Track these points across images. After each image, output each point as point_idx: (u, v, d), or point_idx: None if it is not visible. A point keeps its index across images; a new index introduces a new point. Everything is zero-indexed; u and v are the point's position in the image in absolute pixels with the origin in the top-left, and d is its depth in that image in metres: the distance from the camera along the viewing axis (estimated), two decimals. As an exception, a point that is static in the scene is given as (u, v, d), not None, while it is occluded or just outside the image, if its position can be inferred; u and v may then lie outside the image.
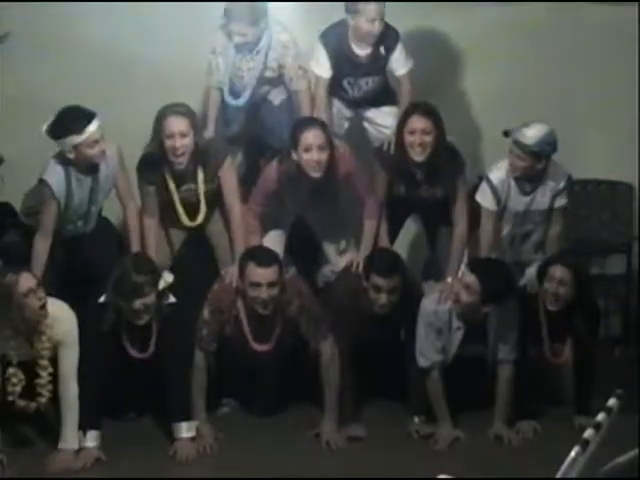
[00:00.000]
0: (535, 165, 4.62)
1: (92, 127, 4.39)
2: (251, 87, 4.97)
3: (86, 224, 4.71)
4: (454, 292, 4.40)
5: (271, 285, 4.31)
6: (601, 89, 5.66)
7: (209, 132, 4.93)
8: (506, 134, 4.61)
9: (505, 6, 5.57)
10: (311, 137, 4.55)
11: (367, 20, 4.76)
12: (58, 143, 4.44)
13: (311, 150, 4.54)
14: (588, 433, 2.50)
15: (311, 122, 4.72)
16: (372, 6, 4.74)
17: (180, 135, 4.54)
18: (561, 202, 4.78)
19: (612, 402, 2.61)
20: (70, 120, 4.41)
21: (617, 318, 5.61)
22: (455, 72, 5.67)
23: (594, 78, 5.67)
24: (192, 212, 4.76)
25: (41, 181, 4.53)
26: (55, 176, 4.49)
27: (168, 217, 4.78)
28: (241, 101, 4.99)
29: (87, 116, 4.41)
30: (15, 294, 4.03)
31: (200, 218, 4.76)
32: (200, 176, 4.68)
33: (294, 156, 4.59)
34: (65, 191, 4.50)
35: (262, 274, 4.31)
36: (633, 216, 5.72)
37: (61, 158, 4.48)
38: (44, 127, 4.43)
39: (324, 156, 4.56)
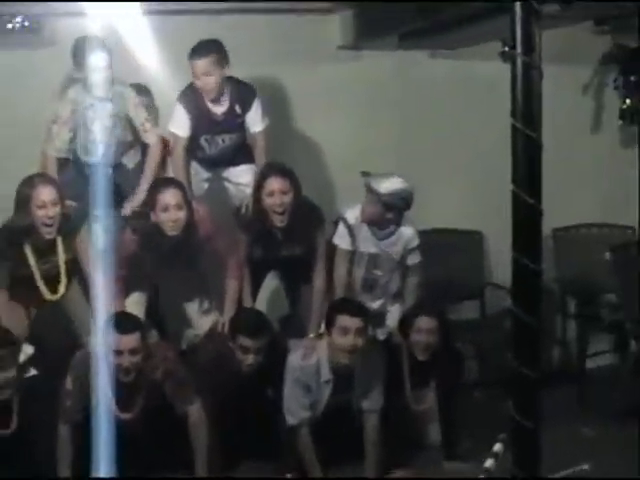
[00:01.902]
0: (385, 214, 4.70)
1: None
2: (104, 146, 4.88)
3: None
4: (346, 342, 4.35)
5: (133, 352, 4.25)
6: (445, 139, 5.86)
7: None
8: (364, 174, 4.70)
9: (353, 60, 5.73)
10: (168, 196, 4.55)
11: (198, 76, 4.79)
12: None
13: (169, 210, 4.54)
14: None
15: (168, 182, 4.72)
16: (198, 62, 4.76)
17: (52, 204, 4.48)
18: (415, 260, 4.91)
19: (498, 447, 2.67)
20: None
21: (474, 362, 5.75)
22: (305, 125, 5.75)
23: (440, 128, 5.85)
24: (52, 285, 4.64)
25: None
26: None
27: (25, 292, 4.64)
28: (111, 159, 4.89)
29: None
30: None
31: (61, 290, 4.66)
32: (60, 246, 4.60)
33: (152, 217, 4.57)
34: None
35: (123, 341, 4.24)
36: (484, 263, 5.90)
37: None
38: None
39: (182, 215, 4.57)
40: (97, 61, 4.70)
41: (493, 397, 5.22)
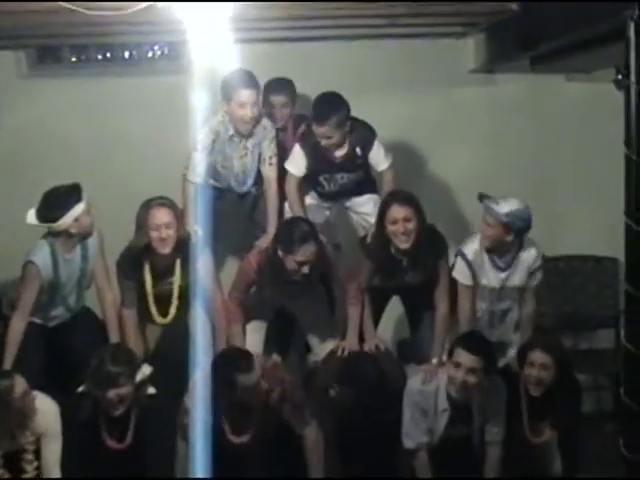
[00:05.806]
0: (504, 237, 4.58)
1: (84, 194, 4.49)
2: (249, 175, 5.07)
3: (71, 307, 4.71)
4: (457, 377, 4.35)
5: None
6: (583, 164, 5.73)
7: (188, 225, 4.83)
8: (481, 198, 4.61)
9: (482, 85, 5.68)
10: (308, 252, 4.58)
11: (320, 137, 4.83)
12: (53, 225, 4.47)
13: (306, 264, 4.60)
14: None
15: (309, 235, 4.62)
16: (320, 129, 4.80)
17: (165, 227, 4.59)
18: (536, 280, 4.78)
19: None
20: (65, 196, 4.47)
21: (608, 393, 5.55)
22: (431, 153, 5.75)
23: (576, 153, 5.73)
24: (165, 308, 4.76)
25: (27, 263, 4.52)
26: (42, 255, 4.52)
27: (143, 313, 4.79)
28: (244, 188, 5.10)
29: (76, 187, 4.49)
30: (13, 399, 4.04)
31: (171, 315, 4.77)
32: (178, 270, 4.71)
33: (280, 253, 4.62)
34: (52, 269, 4.53)
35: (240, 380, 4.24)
36: (619, 290, 5.69)
37: (49, 239, 4.53)
38: (30, 216, 4.46)
39: (314, 257, 4.61)
40: (247, 97, 4.83)
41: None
